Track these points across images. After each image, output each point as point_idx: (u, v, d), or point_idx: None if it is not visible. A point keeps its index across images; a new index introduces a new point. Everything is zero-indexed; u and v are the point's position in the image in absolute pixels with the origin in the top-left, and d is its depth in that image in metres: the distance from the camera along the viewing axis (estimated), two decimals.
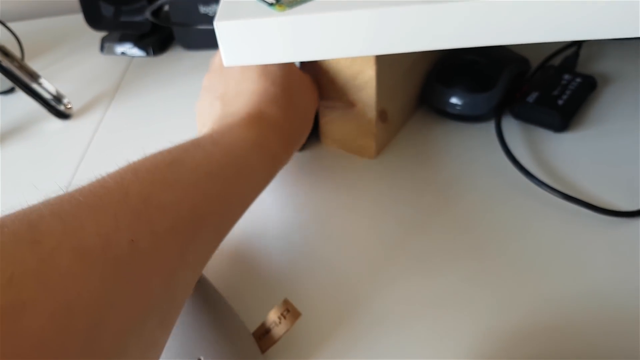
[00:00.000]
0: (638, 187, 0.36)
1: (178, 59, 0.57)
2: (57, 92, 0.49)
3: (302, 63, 0.39)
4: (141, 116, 0.49)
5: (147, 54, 0.57)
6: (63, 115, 0.49)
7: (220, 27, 0.29)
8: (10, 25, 0.58)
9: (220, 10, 0.29)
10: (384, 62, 0.36)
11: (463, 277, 0.32)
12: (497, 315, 0.30)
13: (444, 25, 0.28)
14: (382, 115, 0.39)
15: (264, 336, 0.29)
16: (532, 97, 0.42)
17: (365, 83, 0.37)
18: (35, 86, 0.48)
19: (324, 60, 0.38)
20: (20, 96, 0.54)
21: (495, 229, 0.35)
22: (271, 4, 0.29)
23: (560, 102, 0.41)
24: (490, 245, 0.34)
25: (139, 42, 0.57)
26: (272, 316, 0.29)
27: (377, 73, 0.36)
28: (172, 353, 0.27)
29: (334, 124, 0.41)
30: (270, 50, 0.30)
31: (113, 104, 0.51)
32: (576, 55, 0.46)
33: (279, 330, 0.28)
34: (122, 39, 0.58)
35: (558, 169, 0.38)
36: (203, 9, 0.54)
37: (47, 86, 0.49)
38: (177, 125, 0.47)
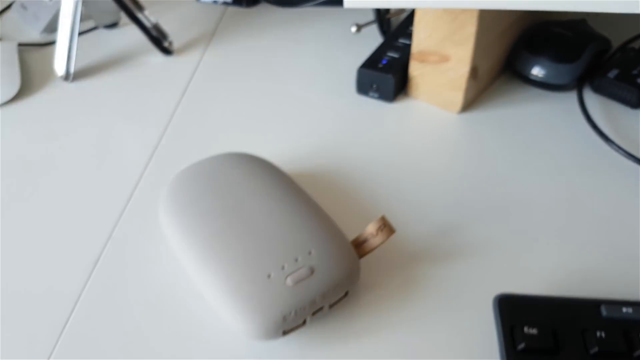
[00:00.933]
0: None
1: (269, 12, 0.60)
2: (160, 27, 0.53)
3: None
4: (236, 61, 0.53)
5: (240, 4, 0.61)
6: (166, 50, 0.53)
7: None
8: None
9: None
10: (484, 20, 0.39)
11: (537, 227, 0.35)
12: (569, 260, 0.33)
13: None
14: (474, 71, 0.42)
15: (361, 245, 0.32)
16: (612, 74, 0.44)
17: (464, 39, 0.39)
18: (141, 17, 0.52)
19: (425, 14, 0.41)
20: (123, 31, 0.59)
21: (571, 187, 0.38)
22: None
23: (639, 80, 0.43)
24: (564, 202, 0.37)
25: None
26: (370, 228, 0.32)
27: (477, 30, 0.39)
28: (287, 243, 0.30)
29: (424, 77, 0.44)
30: None
31: (210, 47, 0.55)
32: None
33: (375, 241, 0.32)
34: None
35: (634, 140, 0.41)
36: None
37: (152, 19, 0.53)
38: (267, 67, 0.51)
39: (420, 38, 0.42)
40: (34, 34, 0.59)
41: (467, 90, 0.43)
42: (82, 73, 0.53)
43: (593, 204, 0.36)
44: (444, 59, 0.42)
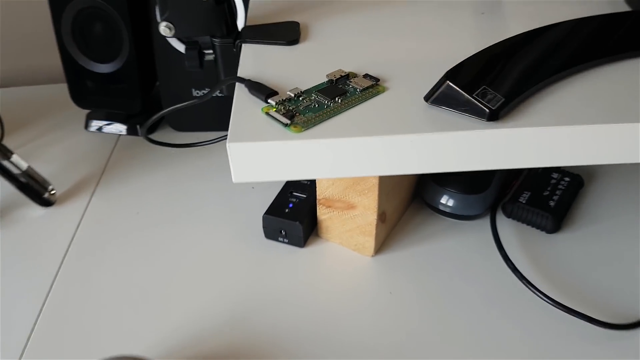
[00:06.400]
0: (636, 292, 0.37)
1: (168, 140, 0.56)
2: (36, 174, 0.47)
3: None
4: (128, 206, 0.48)
5: (135, 133, 0.56)
6: (46, 202, 0.47)
7: (232, 148, 0.28)
8: None
9: (232, 129, 0.29)
10: None
11: None
12: None
13: (438, 152, 0.29)
14: (382, 216, 0.39)
15: None
16: (524, 198, 0.43)
17: (368, 189, 0.37)
18: (7, 165, 0.44)
19: None
20: None
21: (490, 333, 0.35)
22: (286, 125, 0.29)
23: (551, 203, 0.42)
24: (482, 348, 0.34)
25: (126, 121, 0.56)
26: None
27: (380, 179, 0.36)
28: None
29: (333, 221, 0.41)
30: (283, 169, 0.29)
31: (99, 187, 0.50)
32: None
33: None
34: (109, 117, 0.57)
35: (553, 272, 0.39)
36: (195, 92, 0.54)
37: (22, 164, 0.45)
38: (164, 211, 0.46)
39: (324, 186, 0.39)
40: None
41: (378, 235, 0.40)
42: None
43: (510, 345, 0.34)
44: (349, 206, 0.39)
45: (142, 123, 0.56)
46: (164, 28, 0.38)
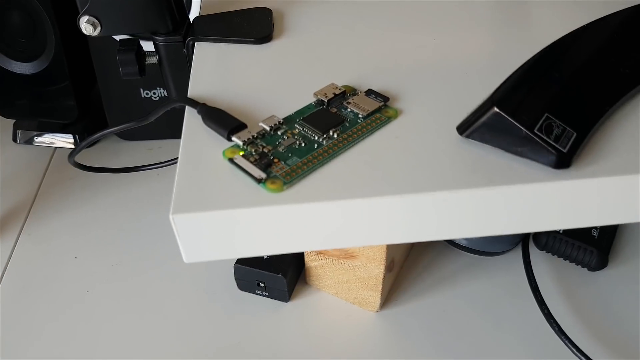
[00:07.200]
0: None
1: (114, 152, 0.45)
2: None
3: None
4: (64, 245, 0.38)
5: (74, 144, 0.46)
6: None
7: (179, 221, 0.19)
8: None
9: (178, 190, 0.20)
10: None
11: None
12: None
13: (482, 213, 0.20)
14: (390, 266, 0.30)
15: None
16: None
17: None
18: None
19: None
20: None
21: None
22: (260, 181, 0.19)
23: (594, 232, 0.34)
24: None
25: (62, 131, 0.46)
26: None
27: None
28: None
29: (325, 269, 0.32)
30: (256, 244, 0.20)
31: (28, 224, 0.39)
32: None
33: None
34: (41, 126, 0.46)
35: (604, 326, 0.31)
36: (145, 93, 0.44)
37: None
38: (108, 254, 0.37)
39: None
40: None
41: (385, 287, 0.31)
42: None
43: None
44: (348, 255, 0.30)
45: (81, 132, 0.46)
46: (85, 24, 0.28)
